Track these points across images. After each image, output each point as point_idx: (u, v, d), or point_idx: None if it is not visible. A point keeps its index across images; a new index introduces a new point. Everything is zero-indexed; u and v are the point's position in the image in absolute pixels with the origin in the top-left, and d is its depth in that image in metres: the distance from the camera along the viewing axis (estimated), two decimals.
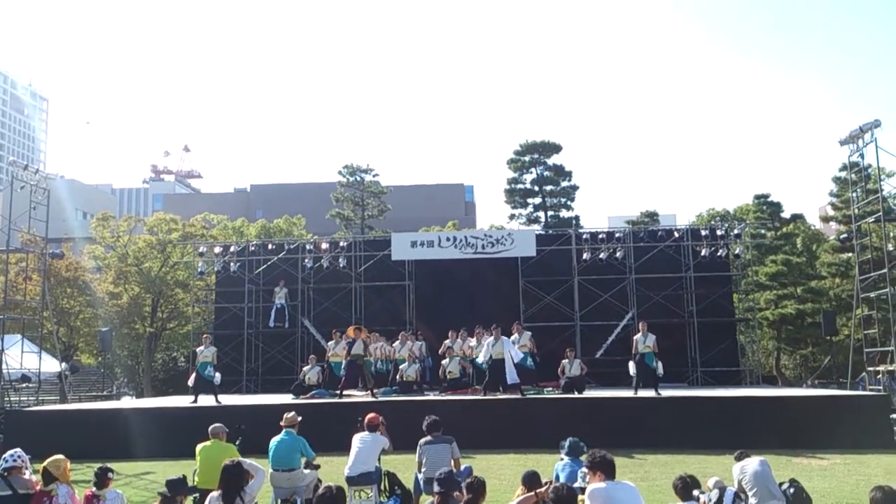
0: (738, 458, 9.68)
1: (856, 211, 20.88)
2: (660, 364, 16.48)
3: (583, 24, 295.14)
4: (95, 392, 30.42)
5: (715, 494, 6.50)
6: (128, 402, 22.23)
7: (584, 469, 6.79)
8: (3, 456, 8.59)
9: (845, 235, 25.88)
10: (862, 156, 19.75)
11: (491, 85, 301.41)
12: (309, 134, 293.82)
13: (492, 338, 16.54)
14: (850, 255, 28.81)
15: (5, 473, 8.33)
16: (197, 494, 9.16)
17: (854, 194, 22.02)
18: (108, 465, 8.47)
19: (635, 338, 16.90)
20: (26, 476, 8.45)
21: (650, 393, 16.31)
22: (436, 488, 6.57)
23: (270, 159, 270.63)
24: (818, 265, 35.31)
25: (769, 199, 38.90)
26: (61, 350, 28.53)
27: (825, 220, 41.69)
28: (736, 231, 24.11)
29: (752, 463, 9.40)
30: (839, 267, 33.54)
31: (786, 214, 39.21)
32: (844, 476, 11.62)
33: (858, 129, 18.90)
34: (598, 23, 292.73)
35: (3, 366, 17.95)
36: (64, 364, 24.34)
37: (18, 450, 8.60)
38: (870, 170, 25.33)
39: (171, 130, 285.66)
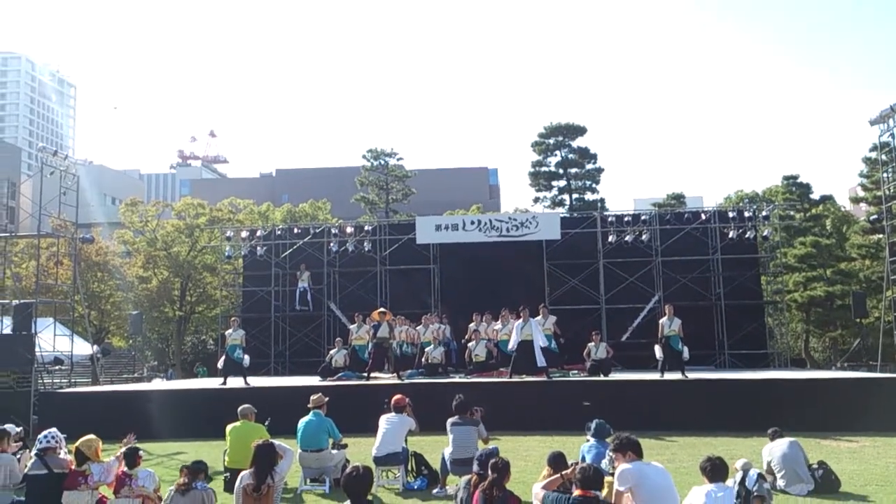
0: (772, 438, 9.64)
1: (886, 192, 20.54)
2: (685, 348, 16.40)
3: (610, 5, 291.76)
4: (127, 374, 30.90)
5: (739, 476, 6.49)
6: (159, 384, 22.57)
7: (611, 453, 6.81)
8: (39, 437, 8.79)
9: (875, 217, 25.49)
10: (892, 135, 19.41)
11: (515, 67, 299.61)
12: (333, 119, 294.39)
13: (520, 320, 16.54)
14: (881, 236, 28.35)
15: (41, 453, 8.53)
16: (227, 474, 9.32)
17: (885, 175, 21.66)
18: (139, 445, 8.64)
19: (661, 321, 16.82)
20: (61, 456, 8.64)
21: (677, 376, 16.25)
22: (475, 468, 6.69)
23: (295, 144, 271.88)
24: (848, 247, 34.82)
25: (798, 181, 38.45)
26: (93, 333, 29.00)
27: (855, 201, 41.03)
28: (764, 213, 23.81)
29: (782, 444, 9.37)
30: (869, 249, 33.07)
31: (815, 196, 38.74)
32: (873, 458, 11.52)
33: (889, 109, 18.59)
34: (624, 4, 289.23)
35: (37, 349, 18.26)
36: (95, 347, 24.72)
37: (54, 430, 8.78)
38: None
39: (197, 116, 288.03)
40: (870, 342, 29.17)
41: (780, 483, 9.15)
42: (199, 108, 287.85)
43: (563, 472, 6.38)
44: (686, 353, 16.39)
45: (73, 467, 8.32)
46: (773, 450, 9.47)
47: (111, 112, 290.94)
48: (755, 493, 5.37)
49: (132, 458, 8.21)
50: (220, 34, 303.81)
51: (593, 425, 8.36)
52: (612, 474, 6.38)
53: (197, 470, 7.41)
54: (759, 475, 5.59)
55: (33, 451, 8.73)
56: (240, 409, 9.83)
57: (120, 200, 50.99)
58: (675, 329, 16.48)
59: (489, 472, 6.14)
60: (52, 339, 19.90)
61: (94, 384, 22.82)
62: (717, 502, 5.91)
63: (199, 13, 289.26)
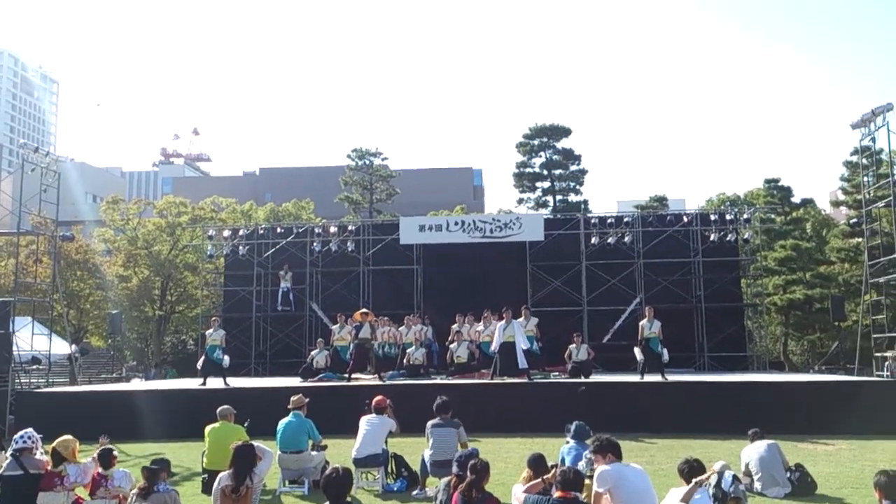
0: (752, 439, 9.70)
1: (866, 195, 20.74)
2: (665, 350, 16.49)
3: (593, 7, 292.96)
4: (105, 374, 30.64)
5: (714, 477, 6.54)
6: (137, 385, 22.39)
7: (589, 454, 6.84)
8: (15, 437, 8.69)
9: (855, 220, 25.74)
10: (874, 140, 19.60)
11: (500, 68, 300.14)
12: (318, 118, 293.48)
13: (503, 321, 16.56)
14: (860, 240, 28.64)
15: (17, 454, 8.43)
16: (206, 475, 9.26)
17: (865, 179, 21.85)
18: (117, 445, 8.58)
19: (641, 323, 16.92)
20: (37, 456, 8.55)
21: (656, 378, 16.33)
22: (455, 469, 6.70)
23: (279, 143, 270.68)
24: (827, 250, 35.13)
25: (779, 184, 38.74)
26: (71, 332, 28.74)
27: (835, 204, 41.39)
28: (745, 216, 24.00)
29: (760, 447, 9.44)
30: (848, 252, 33.38)
31: (796, 199, 39.06)
32: (850, 461, 11.63)
33: (870, 113, 18.74)
34: (609, 5, 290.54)
35: (14, 348, 18.07)
36: (74, 346, 24.52)
37: (30, 430, 8.69)
38: (882, 154, 25.14)
39: (180, 113, 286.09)
40: (847, 345, 29.45)
41: (757, 486, 9.22)
42: (182, 106, 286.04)
43: (544, 477, 6.41)
44: (666, 356, 16.49)
45: (49, 468, 8.24)
46: (751, 452, 9.55)
47: (94, 109, 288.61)
48: (731, 495, 5.42)
49: (107, 458, 8.15)
50: (204, 31, 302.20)
51: (573, 427, 8.38)
52: (591, 476, 6.41)
53: (156, 471, 7.35)
54: (735, 477, 5.64)
55: (9, 452, 8.64)
56: (219, 410, 9.78)
57: (101, 198, 50.50)
58: (655, 331, 16.57)
59: (468, 473, 6.16)
60: (29, 338, 19.70)
61: (71, 384, 22.62)
62: (697, 503, 5.96)
63: (184, 10, 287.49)
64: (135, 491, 7.20)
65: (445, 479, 6.87)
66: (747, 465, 9.47)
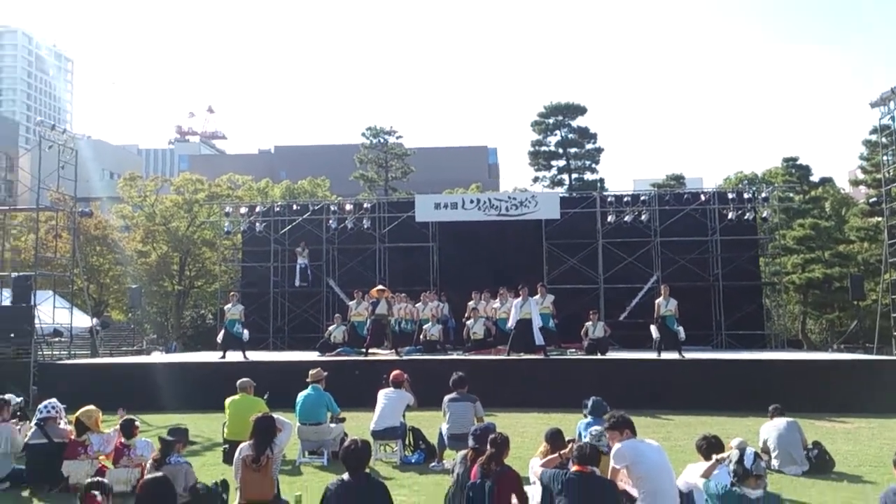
0: (772, 415, 9.67)
1: (886, 174, 20.51)
2: (681, 328, 16.45)
3: None
4: (126, 347, 31.00)
5: (735, 454, 6.55)
6: (158, 357, 22.65)
7: (597, 428, 6.86)
8: (39, 406, 8.85)
9: (875, 199, 25.44)
10: (893, 118, 19.35)
11: (515, 46, 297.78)
12: (332, 95, 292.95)
13: (519, 298, 16.59)
14: (880, 219, 28.33)
15: (41, 423, 8.59)
16: (226, 446, 9.39)
17: (885, 157, 21.62)
18: (139, 416, 8.72)
19: (657, 301, 16.85)
20: (61, 426, 8.71)
21: (673, 355, 16.32)
22: (471, 442, 6.75)
23: (294, 121, 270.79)
24: (847, 229, 34.83)
25: (798, 163, 38.41)
26: (92, 306, 29.02)
27: (855, 183, 40.99)
28: (763, 194, 23.76)
29: (780, 425, 9.42)
30: (868, 231, 33.07)
31: (814, 178, 38.72)
32: (868, 439, 11.62)
33: (890, 92, 18.50)
34: None
35: (36, 320, 18.32)
36: (95, 320, 24.77)
37: (54, 400, 8.85)
38: None
39: (195, 92, 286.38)
40: (867, 324, 29.26)
41: (774, 463, 9.22)
42: (197, 84, 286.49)
43: (562, 452, 6.45)
44: (682, 334, 16.43)
45: (72, 437, 8.40)
46: (769, 429, 9.54)
47: (109, 87, 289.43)
48: (753, 472, 5.43)
49: (129, 428, 8.29)
50: (219, 9, 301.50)
51: (590, 402, 8.41)
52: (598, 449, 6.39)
53: (171, 442, 7.19)
54: (756, 454, 5.65)
55: (33, 421, 8.80)
56: (239, 382, 9.90)
57: (118, 175, 50.88)
58: (672, 309, 16.52)
59: (488, 447, 6.20)
60: (51, 312, 19.95)
61: (93, 356, 22.90)
62: (715, 479, 5.98)
63: None
64: (150, 461, 7.27)
65: (462, 452, 6.92)
66: (765, 442, 9.46)
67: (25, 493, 8.38)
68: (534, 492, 6.38)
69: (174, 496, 5.25)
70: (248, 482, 6.48)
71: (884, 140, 21.77)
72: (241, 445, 6.73)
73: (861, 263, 31.82)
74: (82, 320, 23.03)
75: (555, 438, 7.00)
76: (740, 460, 6.71)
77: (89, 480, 5.21)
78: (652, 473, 6.07)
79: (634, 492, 6.14)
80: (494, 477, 5.95)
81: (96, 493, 4.81)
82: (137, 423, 8.51)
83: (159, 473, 5.67)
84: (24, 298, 18.54)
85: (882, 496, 5.53)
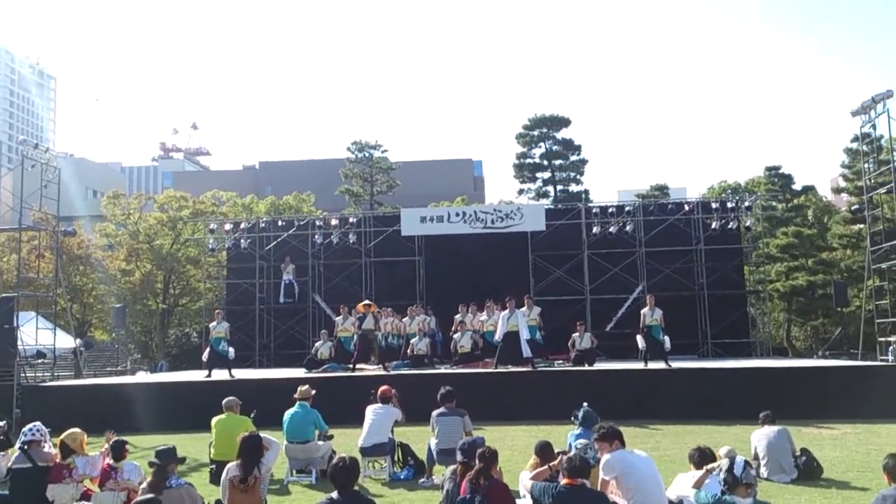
0: (763, 422, 9.70)
1: (867, 182, 20.72)
2: (667, 338, 16.51)
3: None
4: (110, 367, 30.72)
5: (725, 463, 6.59)
6: (143, 377, 22.44)
7: (583, 441, 6.86)
8: (23, 430, 8.71)
9: (857, 207, 25.73)
10: (874, 126, 19.57)
11: (499, 59, 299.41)
12: (317, 111, 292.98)
13: (506, 311, 16.59)
14: (862, 226, 28.64)
15: (25, 447, 8.45)
16: (213, 466, 9.30)
17: (866, 165, 21.84)
18: (124, 437, 8.59)
19: (643, 311, 16.95)
20: (46, 449, 8.57)
21: (660, 365, 16.35)
22: (459, 457, 6.71)
23: (279, 136, 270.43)
24: (829, 237, 35.15)
25: (780, 171, 38.77)
26: (75, 326, 28.77)
27: (837, 191, 41.36)
28: (747, 203, 23.98)
29: (769, 432, 9.45)
30: (850, 238, 33.38)
31: (797, 186, 39.09)
32: (855, 445, 11.67)
33: (871, 100, 18.72)
34: None
35: (19, 342, 18.11)
36: (78, 340, 24.55)
37: (38, 423, 8.71)
38: (882, 140, 25.09)
39: (179, 108, 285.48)
40: (851, 331, 29.47)
41: (763, 471, 9.24)
42: (181, 101, 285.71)
43: (551, 464, 6.43)
44: (668, 343, 16.50)
45: (57, 460, 8.26)
46: (760, 437, 9.55)
47: (92, 104, 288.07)
48: (743, 481, 5.43)
49: (118, 450, 8.17)
50: (202, 26, 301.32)
51: (581, 413, 8.41)
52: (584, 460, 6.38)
53: (163, 465, 6.48)
54: (746, 462, 5.66)
55: (17, 445, 8.66)
56: (225, 401, 9.82)
57: (102, 193, 50.47)
58: (657, 319, 16.59)
59: (476, 461, 6.17)
60: (34, 333, 19.75)
61: (77, 377, 22.67)
62: (705, 488, 5.99)
63: (182, 4, 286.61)
64: (144, 486, 6.86)
65: (451, 468, 6.89)
66: (755, 449, 9.48)
67: None
68: None
69: None
70: (235, 503, 6.41)
71: (865, 148, 22.02)
72: (228, 466, 6.65)
73: (844, 270, 32.10)
74: (66, 341, 22.82)
75: (544, 451, 6.97)
76: (730, 469, 6.75)
77: None
78: (641, 484, 6.07)
79: (624, 503, 6.13)
80: (483, 491, 5.93)
81: None
82: (128, 446, 8.42)
83: (151, 495, 5.50)
84: (6, 320, 18.32)
85: (874, 501, 5.54)
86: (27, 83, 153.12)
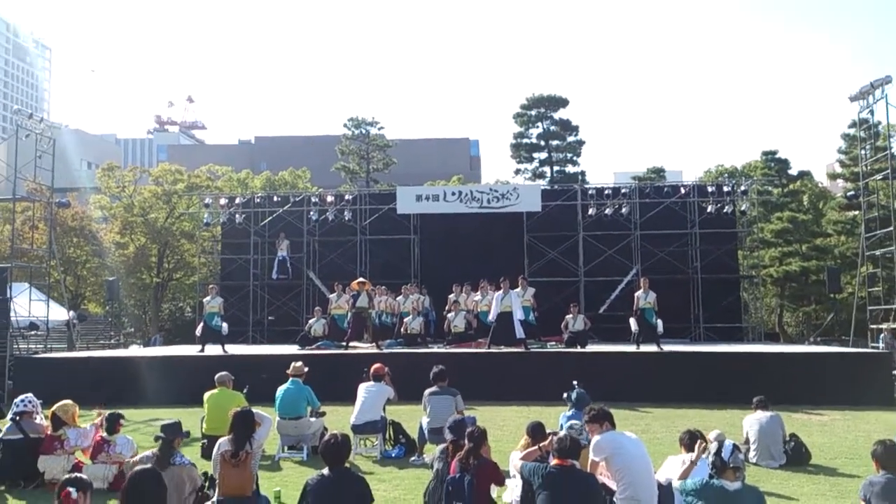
0: (756, 407, 9.74)
1: (864, 168, 20.72)
2: (660, 322, 16.55)
3: None
4: (103, 340, 30.70)
5: (714, 447, 6.63)
6: (136, 351, 22.45)
7: (575, 423, 6.88)
8: (15, 401, 8.74)
9: (852, 193, 25.74)
10: (872, 112, 19.55)
11: (497, 38, 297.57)
12: (314, 86, 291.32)
13: (500, 291, 16.60)
14: (857, 212, 28.66)
15: (17, 418, 8.47)
16: (205, 441, 9.33)
17: (862, 151, 21.82)
18: (117, 410, 8.61)
19: (636, 294, 16.96)
20: (37, 420, 8.60)
21: (652, 348, 16.41)
22: (447, 435, 6.74)
23: (275, 111, 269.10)
24: (824, 223, 35.18)
25: (777, 156, 38.74)
26: (69, 299, 28.71)
27: (833, 177, 41.42)
28: (742, 188, 23.96)
29: (762, 418, 9.50)
30: (845, 225, 33.42)
31: (793, 171, 39.05)
32: (844, 432, 11.75)
33: (869, 86, 18.65)
34: None
35: (11, 313, 18.08)
36: (72, 312, 24.51)
37: (30, 395, 8.73)
38: (879, 127, 25.08)
39: (175, 80, 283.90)
40: (843, 317, 29.60)
41: (752, 456, 9.29)
42: (177, 73, 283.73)
43: (541, 444, 6.45)
44: (660, 327, 16.54)
45: (49, 432, 8.29)
46: (752, 421, 9.59)
47: (88, 75, 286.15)
48: (731, 464, 5.45)
49: (113, 423, 8.20)
50: None
51: (574, 394, 8.44)
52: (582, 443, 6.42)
53: (169, 439, 6.32)
54: (735, 446, 5.68)
55: (9, 416, 8.69)
56: (217, 376, 9.83)
57: (97, 165, 50.32)
58: (650, 302, 16.62)
59: (466, 441, 6.20)
60: (27, 304, 19.70)
61: (70, 350, 22.66)
62: (695, 473, 6.02)
63: None
64: (146, 457, 6.37)
65: (441, 446, 6.89)
66: (747, 434, 9.53)
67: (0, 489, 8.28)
68: (514, 485, 6.38)
69: (164, 492, 5.02)
70: (226, 477, 6.42)
71: (862, 134, 22.03)
72: (220, 440, 6.67)
73: (838, 257, 32.17)
74: (59, 313, 22.77)
75: (536, 432, 6.99)
76: (718, 452, 6.77)
77: (66, 476, 5.06)
78: (631, 466, 6.10)
79: (613, 484, 6.16)
80: (473, 470, 5.96)
81: (72, 489, 4.71)
82: (122, 419, 8.44)
83: (148, 466, 5.43)
84: None
85: (862, 487, 5.60)
86: (24, 53, 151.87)
